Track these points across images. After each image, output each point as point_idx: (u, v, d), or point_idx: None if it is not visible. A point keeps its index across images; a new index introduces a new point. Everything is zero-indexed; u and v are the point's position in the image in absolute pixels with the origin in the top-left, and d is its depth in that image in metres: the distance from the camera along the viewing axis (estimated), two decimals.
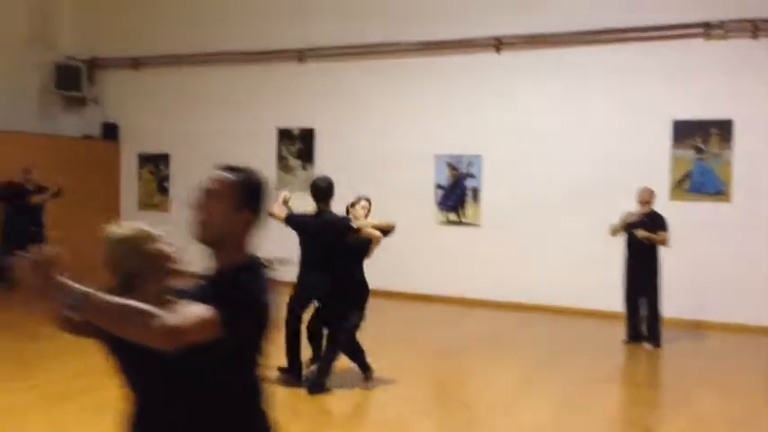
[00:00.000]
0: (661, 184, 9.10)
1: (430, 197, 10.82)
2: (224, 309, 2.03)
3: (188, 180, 12.83)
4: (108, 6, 13.23)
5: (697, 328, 8.96)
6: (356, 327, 6.00)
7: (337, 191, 11.36)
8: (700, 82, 9.28)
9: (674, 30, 9.32)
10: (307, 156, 11.70)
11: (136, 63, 12.98)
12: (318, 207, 6.14)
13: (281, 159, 11.91)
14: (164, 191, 12.98)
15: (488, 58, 10.37)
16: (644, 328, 7.93)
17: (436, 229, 10.77)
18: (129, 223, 2.33)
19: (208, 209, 2.25)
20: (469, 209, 10.59)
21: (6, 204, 10.09)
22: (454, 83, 10.62)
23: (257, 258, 2.28)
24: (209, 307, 2.02)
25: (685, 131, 9.34)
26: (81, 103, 13.36)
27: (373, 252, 6.11)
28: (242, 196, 2.27)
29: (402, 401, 5.73)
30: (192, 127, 12.60)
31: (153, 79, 12.94)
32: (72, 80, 12.98)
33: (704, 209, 9.26)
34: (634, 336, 7.94)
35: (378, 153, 11.15)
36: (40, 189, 10.22)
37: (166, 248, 2.29)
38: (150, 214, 13.05)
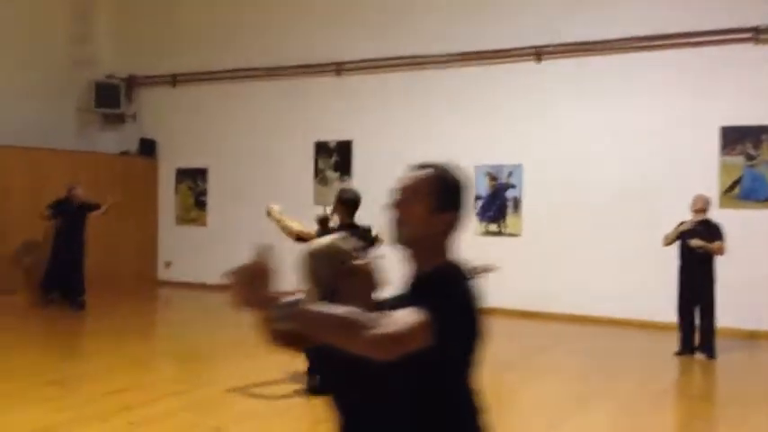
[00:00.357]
0: (710, 191, 8.80)
1: (469, 208, 10.65)
2: (432, 314, 1.88)
3: (225, 194, 12.88)
4: (145, 25, 13.35)
5: (752, 338, 8.65)
6: None
7: (377, 202, 11.16)
8: (749, 87, 9.02)
9: (722, 34, 9.08)
10: (344, 168, 11.63)
11: (173, 80, 13.06)
12: (350, 220, 5.96)
13: (318, 172, 11.85)
14: (201, 205, 13.00)
15: (528, 67, 10.22)
16: (696, 339, 7.66)
17: (476, 241, 10.58)
18: (327, 238, 2.26)
19: (403, 209, 2.09)
20: (510, 219, 10.41)
21: (60, 219, 10.11)
22: (493, 93, 10.48)
23: (459, 263, 2.11)
24: (417, 311, 1.88)
25: (735, 137, 9.07)
26: (119, 120, 13.47)
27: None
28: (439, 195, 2.09)
29: None
30: (229, 141, 12.63)
31: (190, 95, 13.00)
32: (111, 98, 13.12)
33: (756, 216, 8.97)
34: (687, 347, 7.66)
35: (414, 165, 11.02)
36: (83, 205, 10.25)
37: (366, 261, 2.18)
38: (187, 229, 13.11)
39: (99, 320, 9.63)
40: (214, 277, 12.57)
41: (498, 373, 6.92)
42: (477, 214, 10.60)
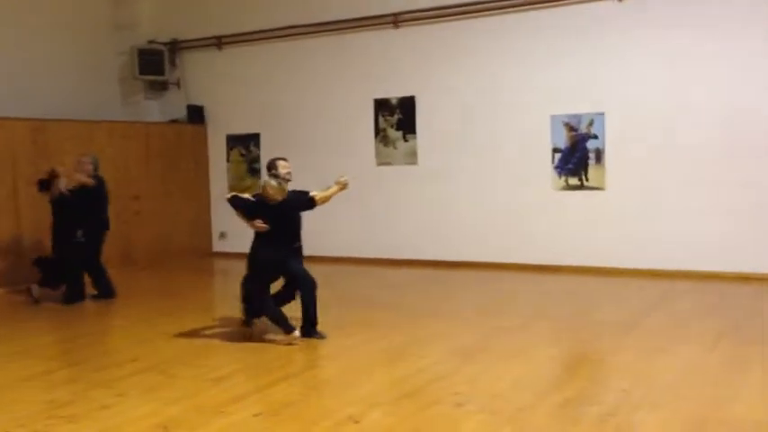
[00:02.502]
0: None
1: (546, 161, 10.04)
2: None
3: None
4: None
5: None
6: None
7: (446, 160, 10.57)
8: None
9: None
10: (408, 126, 11.02)
11: (219, 42, 12.44)
12: None
13: (380, 132, 11.25)
14: (255, 172, 12.47)
15: (608, 6, 9.49)
16: None
17: (555, 195, 10.01)
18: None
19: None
20: (592, 171, 9.78)
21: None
22: (569, 36, 9.76)
23: None
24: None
25: None
26: (164, 87, 12.92)
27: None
28: None
29: (611, 391, 5.07)
30: (281, 104, 12.04)
31: (238, 58, 12.39)
32: (154, 64, 12.55)
33: None
34: None
35: (486, 118, 10.40)
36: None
37: None
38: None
39: (161, 298, 9.20)
40: None
41: (619, 337, 6.40)
42: (556, 167, 9.99)
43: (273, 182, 6.51)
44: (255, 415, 4.65)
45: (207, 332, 7.06)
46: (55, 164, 9.44)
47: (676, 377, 5.26)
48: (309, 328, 6.55)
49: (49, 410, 4.85)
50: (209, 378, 5.53)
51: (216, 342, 6.72)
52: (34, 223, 9.86)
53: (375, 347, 6.31)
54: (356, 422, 4.49)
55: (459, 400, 4.82)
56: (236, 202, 6.65)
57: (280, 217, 6.52)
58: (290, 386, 5.23)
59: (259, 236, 6.61)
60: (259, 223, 6.50)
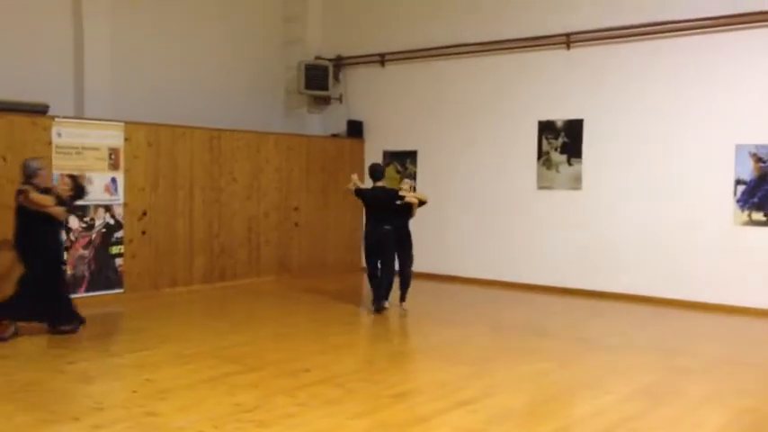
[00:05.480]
0: None
1: (728, 194, 9.37)
2: None
3: (436, 177, 12.26)
4: (353, 4, 12.96)
5: None
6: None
7: (613, 187, 10.04)
8: None
9: None
10: (573, 150, 10.64)
11: (382, 59, 12.59)
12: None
13: (542, 155, 10.94)
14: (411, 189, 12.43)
15: None
16: None
17: (737, 231, 9.30)
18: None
19: None
20: None
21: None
22: (757, 59, 9.10)
23: None
24: None
25: None
26: (326, 101, 13.21)
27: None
28: None
29: None
30: (441, 122, 11.99)
31: (399, 75, 12.47)
32: (319, 79, 12.85)
33: None
34: None
35: (658, 146, 9.87)
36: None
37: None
38: None
39: (319, 309, 9.26)
40: (439, 267, 11.95)
41: None
42: (738, 201, 9.30)
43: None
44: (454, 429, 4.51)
45: (368, 346, 7.02)
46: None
47: None
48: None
49: (236, 413, 4.92)
50: (387, 395, 5.45)
51: (382, 357, 6.66)
52: (204, 224, 10.39)
53: (552, 379, 6.03)
54: None
55: None
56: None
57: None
58: (472, 413, 5.05)
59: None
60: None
